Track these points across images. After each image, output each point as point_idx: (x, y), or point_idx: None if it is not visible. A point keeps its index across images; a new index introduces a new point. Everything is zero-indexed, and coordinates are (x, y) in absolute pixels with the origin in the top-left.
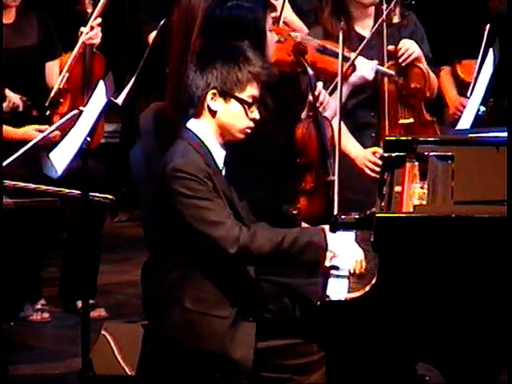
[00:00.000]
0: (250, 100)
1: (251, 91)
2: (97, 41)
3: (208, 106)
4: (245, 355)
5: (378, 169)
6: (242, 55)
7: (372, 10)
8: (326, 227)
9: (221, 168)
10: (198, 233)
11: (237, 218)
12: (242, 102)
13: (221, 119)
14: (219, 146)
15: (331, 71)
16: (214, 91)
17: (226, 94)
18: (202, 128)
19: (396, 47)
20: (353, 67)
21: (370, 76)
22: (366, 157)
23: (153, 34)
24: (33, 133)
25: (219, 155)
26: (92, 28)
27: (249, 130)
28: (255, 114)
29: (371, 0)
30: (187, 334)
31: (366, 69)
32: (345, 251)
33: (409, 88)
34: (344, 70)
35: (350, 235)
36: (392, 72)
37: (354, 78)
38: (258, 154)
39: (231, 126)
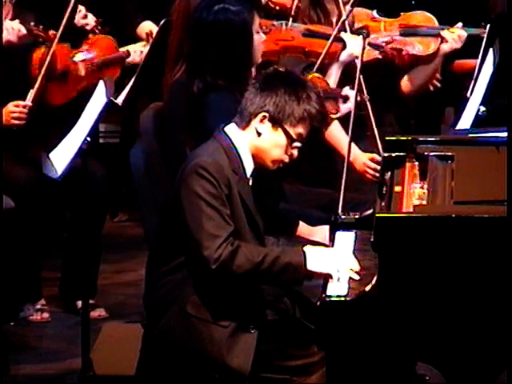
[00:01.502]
0: (296, 137)
1: (300, 129)
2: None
3: (255, 127)
4: (242, 364)
5: (377, 174)
6: (305, 92)
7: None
8: (307, 248)
9: (248, 176)
10: (190, 233)
11: (253, 229)
12: (288, 136)
13: (261, 142)
14: (250, 158)
15: (321, 52)
16: (266, 114)
17: (276, 122)
18: (241, 138)
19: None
20: (342, 44)
21: (359, 52)
22: (365, 163)
23: (142, 26)
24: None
25: (249, 165)
26: (86, 16)
27: (281, 164)
28: (294, 152)
29: None
30: (186, 338)
31: (355, 45)
32: (325, 267)
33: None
34: (332, 47)
35: (349, 239)
36: (381, 44)
37: (343, 56)
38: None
39: (267, 152)
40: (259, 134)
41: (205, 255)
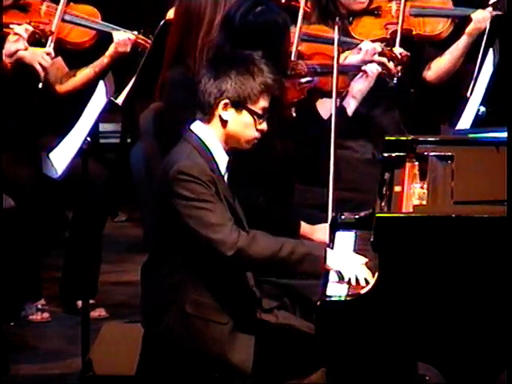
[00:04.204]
0: (261, 112)
1: (262, 103)
2: None
3: (219, 116)
4: (244, 360)
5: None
6: (255, 66)
7: None
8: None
9: (223, 174)
10: (196, 234)
11: (238, 225)
12: (253, 113)
13: (230, 128)
14: (223, 152)
15: (320, 58)
16: (227, 101)
17: (238, 105)
18: (209, 133)
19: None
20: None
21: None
22: (379, 50)
23: None
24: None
25: (222, 161)
26: None
27: (255, 141)
28: (263, 126)
29: (360, 5)
30: (186, 337)
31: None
32: (343, 268)
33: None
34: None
35: (349, 239)
36: (386, 48)
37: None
38: (254, 158)
39: (240, 135)
40: (225, 122)
41: (218, 248)
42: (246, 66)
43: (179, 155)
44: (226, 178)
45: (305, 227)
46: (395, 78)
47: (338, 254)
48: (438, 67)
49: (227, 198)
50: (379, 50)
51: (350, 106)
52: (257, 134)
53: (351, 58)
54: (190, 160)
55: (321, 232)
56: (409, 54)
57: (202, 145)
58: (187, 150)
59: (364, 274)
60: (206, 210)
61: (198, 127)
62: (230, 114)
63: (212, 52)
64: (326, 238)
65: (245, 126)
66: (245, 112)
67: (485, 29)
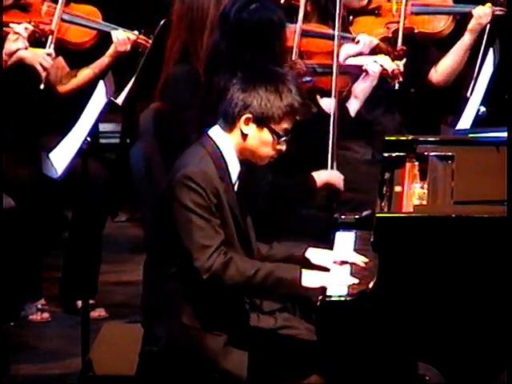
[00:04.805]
0: (282, 133)
1: (285, 125)
2: None
3: (240, 128)
4: (239, 369)
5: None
6: (285, 86)
7: None
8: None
9: (234, 182)
10: (182, 246)
11: (241, 238)
12: (274, 133)
13: (248, 142)
14: (237, 161)
15: (317, 52)
16: (250, 116)
17: (261, 123)
18: (226, 141)
19: None
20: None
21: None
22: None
23: None
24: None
25: (234, 170)
26: None
27: (271, 160)
28: (282, 146)
29: (360, 3)
30: (183, 346)
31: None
32: (324, 282)
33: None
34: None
35: (349, 239)
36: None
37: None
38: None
39: (256, 151)
40: (245, 136)
41: (196, 266)
42: (276, 85)
43: (190, 159)
44: (236, 187)
45: (320, 174)
46: (397, 84)
47: (313, 272)
48: (443, 69)
49: (233, 209)
50: (376, 42)
51: (353, 106)
52: (273, 153)
53: (348, 47)
54: (199, 167)
55: (334, 175)
56: (405, 48)
57: (217, 151)
58: (200, 155)
59: (346, 274)
60: (198, 226)
61: (216, 134)
62: (250, 130)
63: (208, 50)
64: (341, 184)
65: (263, 143)
66: (266, 130)
67: (486, 25)
